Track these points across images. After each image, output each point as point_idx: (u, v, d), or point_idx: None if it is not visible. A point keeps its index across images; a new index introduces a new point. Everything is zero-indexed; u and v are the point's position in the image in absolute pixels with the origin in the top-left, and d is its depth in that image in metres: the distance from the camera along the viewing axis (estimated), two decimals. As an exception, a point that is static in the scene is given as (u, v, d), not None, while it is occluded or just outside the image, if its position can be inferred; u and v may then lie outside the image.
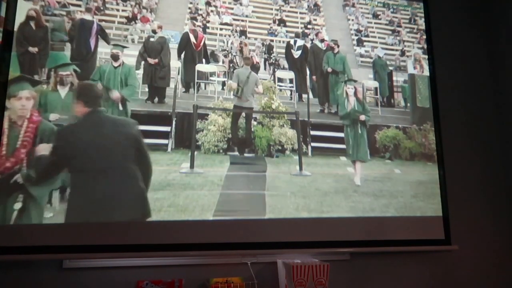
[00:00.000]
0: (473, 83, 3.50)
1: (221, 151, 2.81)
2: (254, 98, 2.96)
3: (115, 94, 2.72)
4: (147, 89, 2.89)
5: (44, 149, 2.40)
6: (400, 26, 3.48)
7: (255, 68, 3.09)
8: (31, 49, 2.63)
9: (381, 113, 3.23)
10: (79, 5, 2.82)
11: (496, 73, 3.53)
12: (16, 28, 2.60)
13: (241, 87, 2.95)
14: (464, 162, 3.28)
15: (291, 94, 3.17)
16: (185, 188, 2.61)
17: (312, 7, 3.39)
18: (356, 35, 3.43)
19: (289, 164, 2.89)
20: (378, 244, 2.81)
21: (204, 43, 3.03)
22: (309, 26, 3.29)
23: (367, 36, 3.42)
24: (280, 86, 3.12)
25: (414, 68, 3.38)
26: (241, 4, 3.19)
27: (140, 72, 2.87)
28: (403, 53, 3.40)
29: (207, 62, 3.03)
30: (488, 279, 3.11)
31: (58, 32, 2.72)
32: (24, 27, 2.63)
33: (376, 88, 3.29)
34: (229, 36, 3.14)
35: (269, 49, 3.19)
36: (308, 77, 3.18)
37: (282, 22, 3.27)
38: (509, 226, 3.28)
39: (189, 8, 3.09)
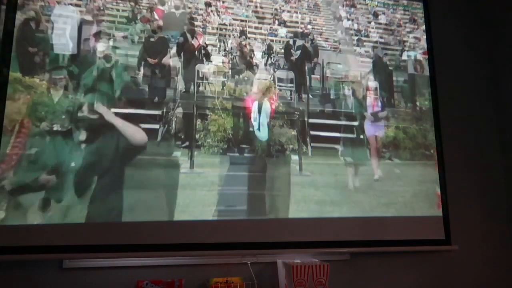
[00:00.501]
0: (473, 83, 3.51)
1: (221, 151, 2.81)
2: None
3: None
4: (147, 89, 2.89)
5: None
6: (400, 26, 3.48)
7: (252, 68, 3.08)
8: (31, 49, 2.63)
9: (382, 113, 3.23)
10: (79, 5, 2.82)
11: (496, 73, 3.53)
12: (16, 29, 2.60)
13: (239, 87, 2.95)
14: (464, 162, 3.28)
15: (291, 94, 3.17)
16: (184, 188, 2.61)
17: (312, 7, 3.39)
18: (356, 35, 3.43)
19: (289, 164, 2.88)
20: (378, 244, 2.81)
21: (204, 43, 3.03)
22: (308, 26, 3.29)
23: (367, 36, 3.42)
24: (280, 86, 3.11)
25: (414, 68, 3.38)
26: (241, 4, 3.19)
27: (141, 73, 2.87)
28: (402, 53, 3.40)
29: (208, 60, 3.02)
30: (488, 279, 3.11)
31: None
32: (24, 28, 2.63)
33: (376, 88, 3.29)
34: (229, 36, 3.14)
35: (269, 49, 3.19)
36: (308, 77, 3.18)
37: (282, 23, 3.27)
38: (509, 226, 3.28)
39: (189, 8, 3.09)
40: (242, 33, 3.16)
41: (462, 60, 3.52)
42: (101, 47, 2.78)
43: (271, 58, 3.17)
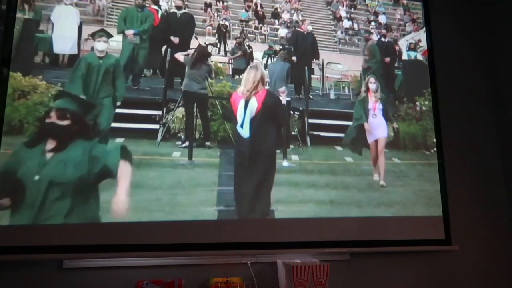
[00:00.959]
0: (473, 83, 3.50)
1: (221, 151, 2.80)
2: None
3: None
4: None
5: None
6: (400, 26, 3.48)
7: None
8: (31, 49, 2.64)
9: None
10: (79, 5, 2.82)
11: (496, 73, 3.53)
12: (16, 29, 2.60)
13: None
14: (464, 162, 3.28)
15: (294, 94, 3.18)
16: (184, 188, 2.60)
17: (312, 7, 3.39)
18: (356, 35, 3.43)
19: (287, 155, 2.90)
20: (378, 244, 2.81)
21: (205, 43, 3.03)
22: (308, 27, 3.29)
23: (367, 36, 3.42)
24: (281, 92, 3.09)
25: (414, 68, 3.38)
26: (241, 4, 3.19)
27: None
28: (402, 53, 3.41)
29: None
30: (488, 279, 3.10)
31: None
32: (24, 27, 2.64)
33: (377, 90, 3.27)
34: (229, 36, 3.14)
35: (269, 49, 3.19)
36: (308, 77, 3.19)
37: (282, 23, 3.27)
38: (509, 226, 3.28)
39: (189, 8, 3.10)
40: (242, 33, 3.17)
41: (462, 60, 3.52)
42: (101, 46, 2.76)
43: (271, 58, 3.17)
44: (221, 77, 3.01)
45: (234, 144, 2.78)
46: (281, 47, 3.17)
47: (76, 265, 2.43)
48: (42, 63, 2.68)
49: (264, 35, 3.28)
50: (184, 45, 2.97)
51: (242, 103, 2.75)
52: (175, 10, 3.00)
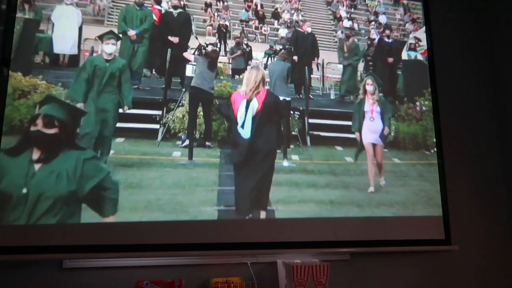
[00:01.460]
0: (473, 83, 3.50)
1: (221, 151, 2.81)
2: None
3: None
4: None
5: None
6: (400, 26, 3.48)
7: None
8: (31, 49, 2.63)
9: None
10: (80, 5, 2.82)
11: (496, 73, 3.53)
12: (16, 28, 2.60)
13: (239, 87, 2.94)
14: (464, 162, 3.28)
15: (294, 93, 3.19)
16: (184, 188, 2.60)
17: (313, 7, 3.39)
18: (356, 35, 3.43)
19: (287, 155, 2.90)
20: (378, 244, 2.81)
21: (205, 43, 3.03)
22: (308, 29, 3.29)
23: (367, 36, 3.42)
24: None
25: (414, 68, 3.38)
26: (241, 4, 3.19)
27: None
28: (402, 53, 3.40)
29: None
30: (488, 279, 3.10)
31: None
32: (24, 27, 2.63)
33: (374, 92, 3.25)
34: (229, 36, 3.14)
35: (270, 49, 3.19)
36: (308, 77, 3.19)
37: (283, 23, 3.27)
38: (509, 226, 3.28)
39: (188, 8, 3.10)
40: (242, 33, 3.17)
41: (462, 60, 3.51)
42: (109, 48, 2.71)
43: (271, 58, 3.17)
44: (221, 77, 3.01)
45: (233, 145, 2.78)
46: (281, 47, 3.17)
47: (76, 265, 2.43)
48: (42, 63, 2.68)
49: (264, 35, 3.28)
50: (183, 45, 2.97)
51: (243, 103, 2.74)
52: (172, 10, 3.00)
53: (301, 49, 3.21)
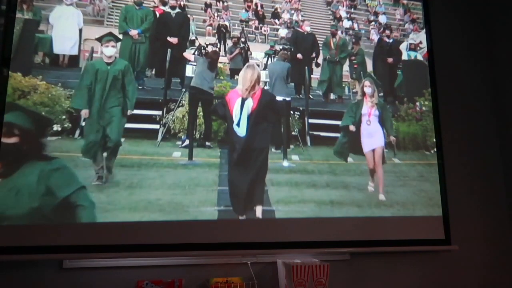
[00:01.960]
0: (473, 83, 3.50)
1: (221, 150, 2.81)
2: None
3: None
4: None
5: None
6: (400, 26, 3.48)
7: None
8: (30, 49, 2.63)
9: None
10: (80, 5, 2.82)
11: (496, 73, 3.53)
12: (16, 29, 2.60)
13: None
14: (464, 162, 3.28)
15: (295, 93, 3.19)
16: (184, 188, 2.61)
17: (313, 7, 3.39)
18: (356, 35, 3.43)
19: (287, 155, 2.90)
20: (378, 244, 2.81)
21: (205, 43, 3.03)
22: (307, 28, 3.29)
23: (367, 36, 3.43)
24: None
25: (414, 68, 3.38)
26: (241, 4, 3.19)
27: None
28: (402, 53, 3.40)
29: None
30: (488, 279, 3.10)
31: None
32: (24, 28, 2.63)
33: (372, 94, 3.23)
34: (229, 36, 3.14)
35: (270, 49, 3.19)
36: (308, 77, 3.19)
37: (282, 23, 3.27)
38: (509, 226, 3.28)
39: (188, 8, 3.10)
40: (242, 33, 3.17)
41: (462, 60, 3.51)
42: (109, 51, 2.67)
43: (271, 58, 3.18)
44: (221, 77, 3.02)
45: (230, 143, 2.77)
46: (281, 47, 3.17)
47: (76, 265, 2.43)
48: (42, 63, 2.68)
49: (264, 35, 3.28)
50: (182, 45, 2.98)
51: (238, 102, 2.73)
52: (170, 10, 3.00)
53: (301, 49, 3.21)
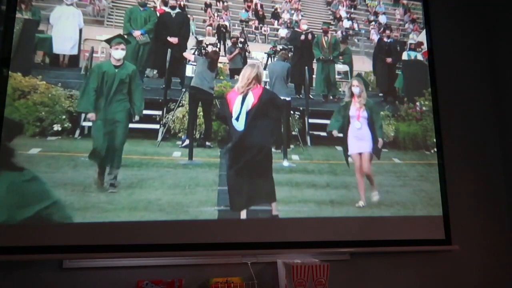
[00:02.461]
0: (473, 83, 3.50)
1: (221, 150, 2.81)
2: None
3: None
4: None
5: None
6: (400, 26, 3.48)
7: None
8: (31, 49, 2.63)
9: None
10: (80, 6, 2.83)
11: (496, 73, 3.52)
12: (16, 29, 2.60)
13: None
14: (464, 162, 3.28)
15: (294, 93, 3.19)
16: (184, 188, 2.61)
17: (313, 7, 3.39)
18: (356, 35, 3.43)
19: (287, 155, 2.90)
20: (378, 244, 2.80)
21: (205, 43, 3.03)
22: (304, 26, 3.29)
23: (367, 36, 3.43)
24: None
25: (414, 68, 3.37)
26: (241, 4, 3.19)
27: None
28: (402, 53, 3.40)
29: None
30: (488, 279, 3.10)
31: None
32: (24, 28, 2.63)
33: (360, 95, 3.19)
34: (229, 36, 3.14)
35: (270, 49, 3.19)
36: (308, 77, 3.19)
37: (282, 23, 3.27)
38: (509, 226, 3.28)
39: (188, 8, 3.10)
40: (242, 33, 3.17)
41: (462, 60, 3.51)
42: (118, 54, 2.62)
43: (271, 59, 3.18)
44: (221, 77, 3.02)
45: (229, 138, 2.76)
46: (281, 47, 3.17)
47: (76, 265, 2.43)
48: (42, 63, 2.68)
49: (264, 35, 3.28)
50: (182, 45, 2.98)
51: (239, 98, 2.72)
52: (170, 10, 3.00)
53: (301, 49, 3.21)
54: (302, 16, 3.33)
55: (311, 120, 3.05)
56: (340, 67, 3.28)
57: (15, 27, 2.59)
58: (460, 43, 3.55)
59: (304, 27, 3.26)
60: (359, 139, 2.96)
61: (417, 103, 3.27)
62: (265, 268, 2.68)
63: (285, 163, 2.88)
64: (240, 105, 2.71)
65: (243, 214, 2.64)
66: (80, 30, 2.81)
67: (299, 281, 2.45)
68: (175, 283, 2.45)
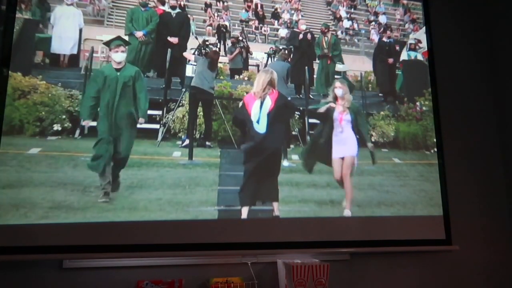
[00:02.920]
0: (473, 83, 3.50)
1: (222, 150, 2.81)
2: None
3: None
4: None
5: None
6: (400, 26, 3.48)
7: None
8: (31, 49, 2.63)
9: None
10: (80, 5, 2.83)
11: (496, 73, 3.53)
12: (16, 29, 2.60)
13: (239, 87, 2.94)
14: (464, 162, 3.28)
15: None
16: (184, 188, 2.61)
17: (312, 7, 3.39)
18: (356, 35, 3.43)
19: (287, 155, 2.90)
20: (378, 244, 2.80)
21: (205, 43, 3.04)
22: (302, 26, 3.29)
23: (367, 36, 3.43)
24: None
25: (414, 68, 3.38)
26: (241, 4, 3.19)
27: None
28: (402, 53, 3.41)
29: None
30: (488, 279, 3.10)
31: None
32: (24, 27, 2.63)
33: (343, 97, 3.16)
34: (229, 36, 3.14)
35: (270, 49, 3.19)
36: (308, 77, 3.19)
37: (283, 23, 3.28)
38: (509, 226, 3.27)
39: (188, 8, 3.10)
40: (242, 33, 3.17)
41: (462, 60, 3.51)
42: (119, 57, 2.56)
43: (271, 58, 3.18)
44: (221, 77, 3.02)
45: (248, 140, 2.75)
46: (282, 47, 3.17)
47: (76, 265, 2.43)
48: (42, 63, 2.68)
49: (264, 35, 3.28)
50: (182, 45, 2.98)
51: (257, 102, 2.73)
52: (170, 10, 3.00)
53: (300, 49, 3.21)
54: (302, 16, 3.33)
55: (311, 120, 3.05)
56: (340, 67, 3.27)
57: (15, 27, 2.59)
58: (460, 43, 3.55)
59: (302, 27, 3.26)
60: (342, 143, 2.85)
61: (417, 103, 3.27)
62: (265, 268, 2.68)
63: (285, 163, 2.88)
64: (259, 108, 2.72)
65: (244, 214, 2.64)
66: (80, 30, 2.81)
67: (299, 281, 2.45)
68: (175, 283, 2.45)
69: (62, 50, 2.75)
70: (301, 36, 3.24)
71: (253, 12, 3.23)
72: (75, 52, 2.78)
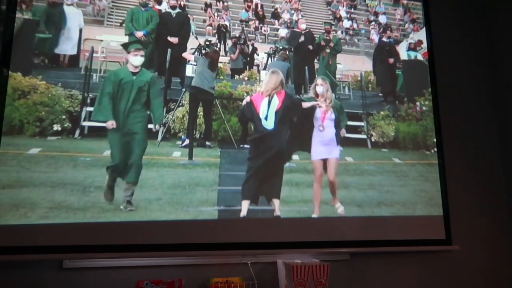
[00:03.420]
0: (473, 83, 3.50)
1: (222, 150, 2.81)
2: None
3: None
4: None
5: None
6: (400, 26, 3.48)
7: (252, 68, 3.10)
8: (31, 49, 2.63)
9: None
10: (80, 6, 2.83)
11: (496, 73, 3.53)
12: (16, 29, 2.60)
13: (239, 87, 2.94)
14: (464, 162, 3.28)
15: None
16: (184, 188, 2.61)
17: (313, 7, 3.39)
18: (356, 35, 3.43)
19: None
20: (378, 244, 2.80)
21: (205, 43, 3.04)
22: (302, 25, 3.29)
23: (367, 36, 3.43)
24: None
25: (415, 68, 3.37)
26: (241, 4, 3.19)
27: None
28: (402, 52, 3.41)
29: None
30: (488, 279, 3.10)
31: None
32: (24, 28, 2.63)
33: (323, 95, 3.14)
34: (229, 36, 3.15)
35: (270, 49, 3.19)
36: (308, 77, 3.19)
37: (283, 23, 3.28)
38: (509, 226, 3.27)
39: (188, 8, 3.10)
40: (242, 33, 3.17)
41: (462, 60, 3.51)
42: (137, 61, 2.52)
43: (271, 58, 3.18)
44: (222, 77, 3.02)
45: (256, 137, 2.75)
46: (282, 47, 3.17)
47: (76, 265, 2.43)
48: (42, 63, 2.68)
49: (264, 35, 3.29)
50: (182, 44, 2.98)
51: (265, 100, 2.73)
52: (170, 10, 3.00)
53: (301, 49, 3.21)
54: (302, 16, 3.33)
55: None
56: (340, 67, 3.28)
57: (15, 27, 2.59)
58: (460, 43, 3.54)
59: (302, 26, 3.26)
60: (325, 143, 2.78)
61: (417, 103, 3.27)
62: (265, 268, 2.68)
63: (285, 163, 2.87)
64: (267, 106, 2.72)
65: (244, 210, 2.64)
66: (80, 30, 2.81)
67: (299, 281, 2.45)
68: (175, 283, 2.45)
69: (62, 50, 2.75)
70: (301, 38, 3.24)
71: (253, 12, 3.23)
72: (75, 52, 2.77)
